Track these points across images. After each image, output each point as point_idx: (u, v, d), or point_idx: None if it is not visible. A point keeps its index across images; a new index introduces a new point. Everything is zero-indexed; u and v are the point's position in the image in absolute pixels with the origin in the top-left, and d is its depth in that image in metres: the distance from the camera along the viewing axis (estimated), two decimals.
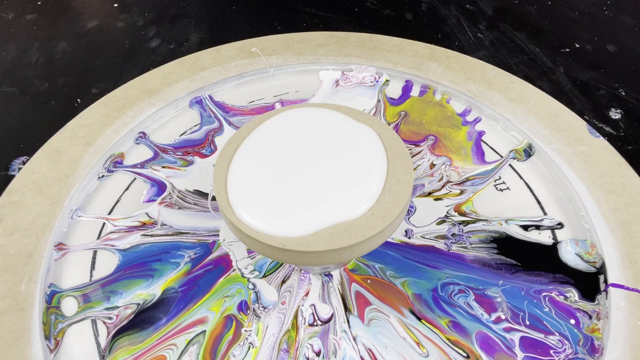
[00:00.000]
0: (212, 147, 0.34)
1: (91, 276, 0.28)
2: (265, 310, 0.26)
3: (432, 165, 0.32)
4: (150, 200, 0.31)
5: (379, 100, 0.37)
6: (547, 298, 0.26)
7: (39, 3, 0.49)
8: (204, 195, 0.31)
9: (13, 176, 0.32)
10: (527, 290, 0.26)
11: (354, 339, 0.25)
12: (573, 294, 0.26)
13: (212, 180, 0.29)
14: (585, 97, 0.38)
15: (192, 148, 0.34)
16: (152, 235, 0.29)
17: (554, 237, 0.29)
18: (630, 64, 0.40)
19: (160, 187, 0.32)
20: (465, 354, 0.24)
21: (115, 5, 0.49)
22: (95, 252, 0.29)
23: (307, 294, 0.27)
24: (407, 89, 0.38)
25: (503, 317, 0.25)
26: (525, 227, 0.29)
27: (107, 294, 0.27)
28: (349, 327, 0.25)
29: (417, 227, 0.29)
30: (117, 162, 0.33)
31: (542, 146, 0.32)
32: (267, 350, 0.25)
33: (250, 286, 0.27)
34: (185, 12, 0.48)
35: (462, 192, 0.31)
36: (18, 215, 0.29)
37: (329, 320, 0.26)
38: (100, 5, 0.49)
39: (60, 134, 0.34)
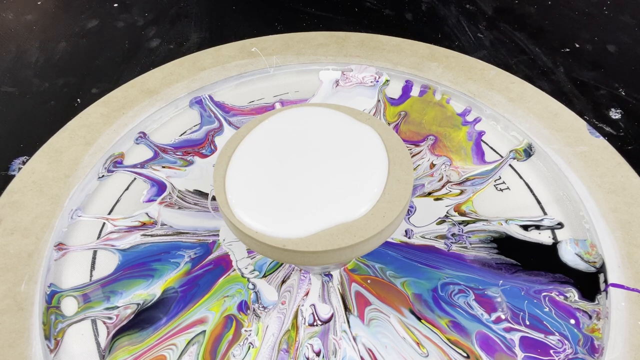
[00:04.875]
0: (212, 147, 0.34)
1: (91, 276, 0.28)
2: (265, 310, 0.26)
3: (432, 165, 0.32)
4: (150, 200, 0.31)
5: (379, 100, 0.37)
6: (547, 298, 0.26)
7: (39, 3, 0.49)
8: (204, 195, 0.31)
9: (13, 176, 0.32)
10: (527, 290, 0.26)
11: (354, 339, 0.25)
12: (573, 294, 0.26)
13: (212, 180, 0.29)
14: (585, 97, 0.38)
15: (192, 148, 0.34)
16: (152, 235, 0.29)
17: (554, 237, 0.29)
18: (630, 64, 0.40)
19: (160, 187, 0.32)
20: (465, 354, 0.24)
21: (115, 5, 0.49)
22: (95, 252, 0.29)
23: (307, 294, 0.27)
24: (407, 89, 0.38)
25: (503, 317, 0.25)
26: (525, 227, 0.29)
27: (107, 294, 0.27)
28: (349, 327, 0.25)
29: (417, 227, 0.29)
30: (117, 162, 0.33)
31: (542, 146, 0.32)
32: (267, 350, 0.25)
33: (250, 286, 0.27)
34: (185, 12, 0.48)
35: (462, 192, 0.31)
36: (18, 215, 0.29)
37: (329, 320, 0.26)
38: (100, 5, 0.49)
39: (60, 134, 0.34)
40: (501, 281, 0.27)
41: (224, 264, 0.28)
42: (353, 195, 0.24)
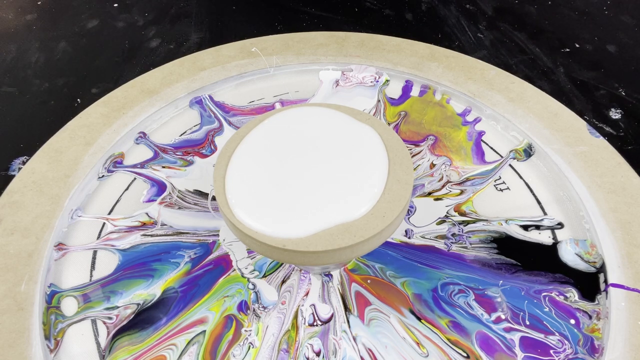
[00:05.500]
0: (212, 147, 0.34)
1: (91, 276, 0.28)
2: (265, 310, 0.26)
3: (432, 165, 0.32)
4: (150, 200, 0.31)
5: (379, 100, 0.37)
6: (547, 298, 0.26)
7: (39, 3, 0.49)
8: (204, 195, 0.31)
9: (13, 176, 0.32)
10: (527, 290, 0.26)
11: (354, 339, 0.25)
12: (573, 294, 0.26)
13: (212, 180, 0.29)
14: (585, 97, 0.38)
15: (192, 148, 0.34)
16: (152, 235, 0.29)
17: (554, 237, 0.29)
18: (630, 64, 0.40)
19: (160, 187, 0.32)
20: (465, 354, 0.24)
21: (115, 5, 0.49)
22: (95, 252, 0.29)
23: (307, 294, 0.27)
24: (407, 89, 0.38)
25: (503, 317, 0.25)
26: (525, 227, 0.29)
27: (107, 294, 0.27)
28: (349, 327, 0.25)
29: (417, 227, 0.29)
30: (117, 162, 0.33)
31: (542, 146, 0.32)
32: (267, 350, 0.25)
33: (250, 286, 0.27)
34: (185, 12, 0.48)
35: (462, 192, 0.31)
36: (18, 215, 0.29)
37: (329, 320, 0.26)
38: (100, 5, 0.49)
39: (60, 134, 0.34)
40: (501, 281, 0.27)
41: (224, 264, 0.28)
42: (353, 195, 0.24)
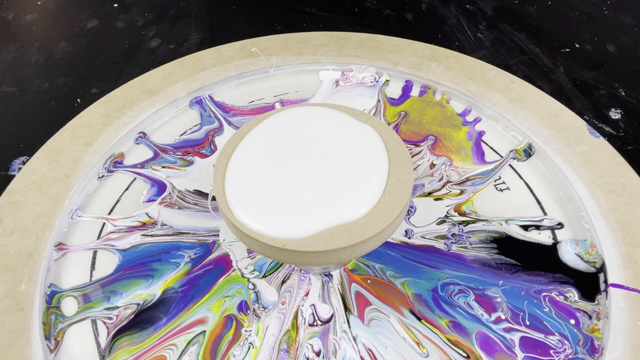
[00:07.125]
0: (212, 147, 0.34)
1: (91, 276, 0.28)
2: (265, 310, 0.26)
3: (432, 165, 0.32)
4: (150, 200, 0.31)
5: (379, 100, 0.37)
6: (547, 298, 0.26)
7: (39, 3, 0.49)
8: (204, 195, 0.31)
9: (13, 176, 0.32)
10: (527, 290, 0.26)
11: (354, 339, 0.25)
12: (573, 294, 0.26)
13: (212, 180, 0.29)
14: (585, 97, 0.38)
15: (192, 148, 0.34)
16: (152, 235, 0.29)
17: (554, 237, 0.29)
18: (630, 64, 0.40)
19: (160, 187, 0.32)
20: (465, 354, 0.24)
21: (115, 5, 0.49)
22: (95, 252, 0.29)
23: (307, 294, 0.27)
24: (407, 89, 0.38)
25: (503, 317, 0.25)
26: (525, 227, 0.29)
27: (107, 294, 0.27)
28: (349, 327, 0.25)
29: (417, 227, 0.29)
30: (117, 162, 0.33)
31: (542, 146, 0.32)
32: (267, 351, 0.25)
33: (250, 286, 0.27)
34: (185, 12, 0.48)
35: (462, 192, 0.31)
36: (18, 215, 0.29)
37: (329, 320, 0.26)
38: (100, 5, 0.49)
39: (60, 134, 0.34)
40: (501, 281, 0.27)
41: (224, 264, 0.28)
42: (353, 195, 0.24)
